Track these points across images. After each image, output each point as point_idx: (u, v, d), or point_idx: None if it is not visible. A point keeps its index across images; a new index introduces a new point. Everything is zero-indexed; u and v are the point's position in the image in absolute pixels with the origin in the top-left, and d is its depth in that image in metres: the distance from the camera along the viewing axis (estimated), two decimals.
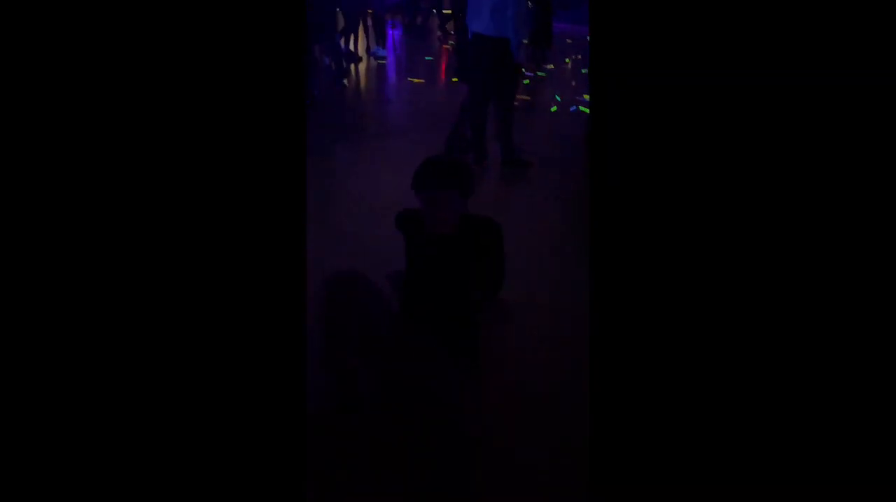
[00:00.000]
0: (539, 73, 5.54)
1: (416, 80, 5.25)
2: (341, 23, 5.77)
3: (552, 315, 1.86)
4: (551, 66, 5.93)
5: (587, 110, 4.26)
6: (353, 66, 5.63)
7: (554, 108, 4.55)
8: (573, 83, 5.46)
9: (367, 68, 5.73)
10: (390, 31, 6.53)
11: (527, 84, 5.05)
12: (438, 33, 7.46)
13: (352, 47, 5.95)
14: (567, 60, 6.47)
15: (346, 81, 4.98)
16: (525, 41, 3.13)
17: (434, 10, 7.96)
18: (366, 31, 6.21)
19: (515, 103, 3.16)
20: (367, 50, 6.17)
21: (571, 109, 4.53)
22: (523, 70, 3.45)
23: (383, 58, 6.06)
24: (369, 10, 6.03)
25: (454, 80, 4.84)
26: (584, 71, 5.96)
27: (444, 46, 6.92)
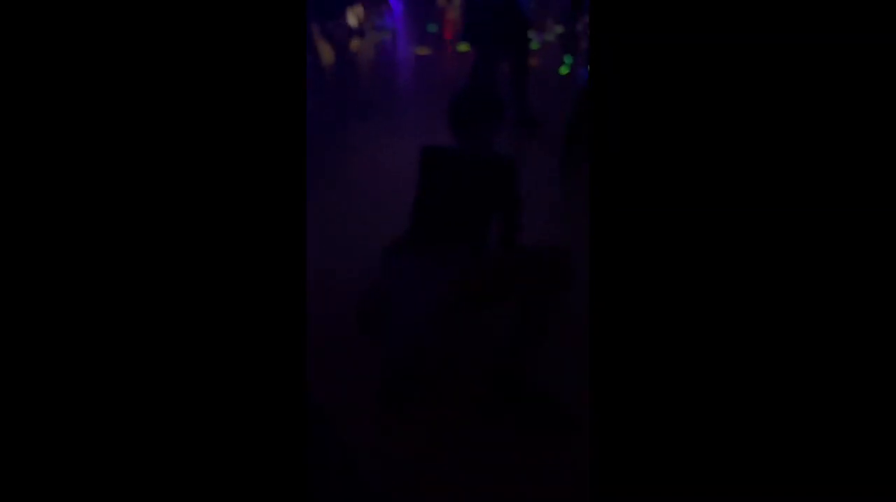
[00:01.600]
0: (548, 37, 5.38)
1: (421, 51, 5.16)
2: None
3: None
4: (561, 30, 5.76)
5: None
6: (357, 41, 5.54)
7: (564, 70, 4.44)
8: (584, 45, 5.31)
9: (371, 42, 5.64)
10: (394, 3, 6.40)
11: (535, 48, 4.93)
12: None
13: (355, 22, 5.85)
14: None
15: (352, 55, 4.91)
16: None
17: None
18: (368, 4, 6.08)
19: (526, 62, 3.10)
20: (372, 24, 6.06)
21: (581, 71, 4.41)
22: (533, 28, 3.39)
23: (387, 31, 5.96)
24: None
25: (460, 47, 4.75)
26: None
27: (448, 17, 6.77)
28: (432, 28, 6.20)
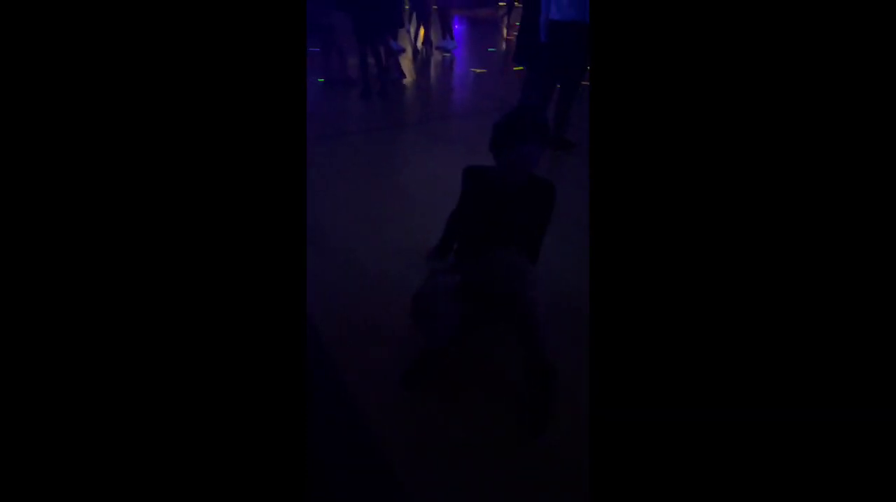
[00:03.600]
0: None
1: (478, 70, 5.47)
2: (408, 18, 6.15)
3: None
4: None
5: None
6: (417, 59, 5.95)
7: None
8: None
9: (434, 61, 6.02)
10: (456, 26, 6.79)
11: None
12: (503, 25, 7.62)
13: (418, 42, 6.31)
14: None
15: (406, 74, 5.29)
16: None
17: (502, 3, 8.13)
18: (431, 25, 6.52)
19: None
20: (434, 43, 6.48)
21: None
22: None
23: (449, 50, 6.35)
24: (434, 7, 6.34)
25: (516, 68, 5.01)
26: None
27: (508, 38, 7.08)
28: (492, 49, 6.52)
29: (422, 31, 6.45)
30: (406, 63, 5.74)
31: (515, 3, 7.49)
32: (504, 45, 6.79)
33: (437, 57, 6.17)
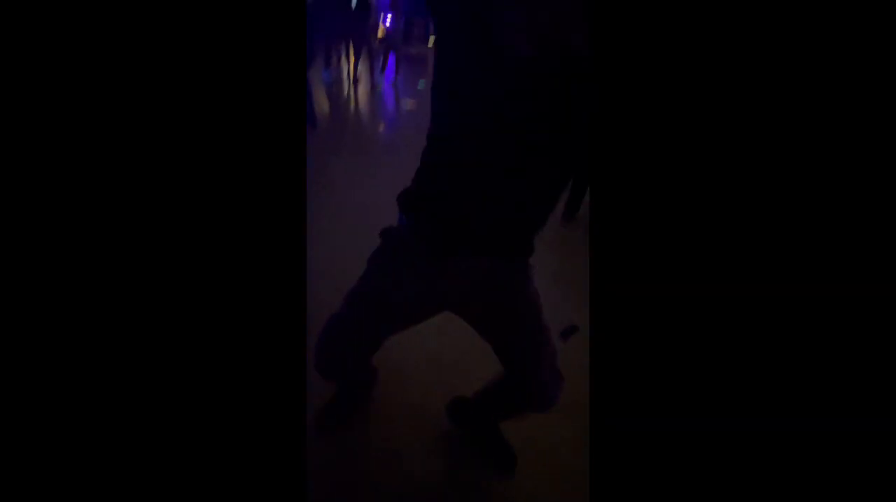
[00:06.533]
0: None
1: (409, 104, 5.69)
2: (343, 51, 6.30)
3: None
4: None
5: None
6: (353, 90, 6.07)
7: None
8: None
9: (367, 92, 6.17)
10: (391, 60, 7.01)
11: None
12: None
13: (352, 73, 6.46)
14: None
15: (347, 103, 5.39)
16: None
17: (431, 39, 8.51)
18: (363, 58, 6.71)
19: None
20: (369, 76, 6.67)
21: None
22: None
23: (380, 84, 6.56)
24: (374, 39, 6.59)
25: None
26: None
27: None
28: (422, 85, 6.78)
29: (352, 63, 6.62)
30: (336, 94, 5.85)
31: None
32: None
33: (368, 89, 6.33)
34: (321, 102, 5.25)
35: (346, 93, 5.95)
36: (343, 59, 6.93)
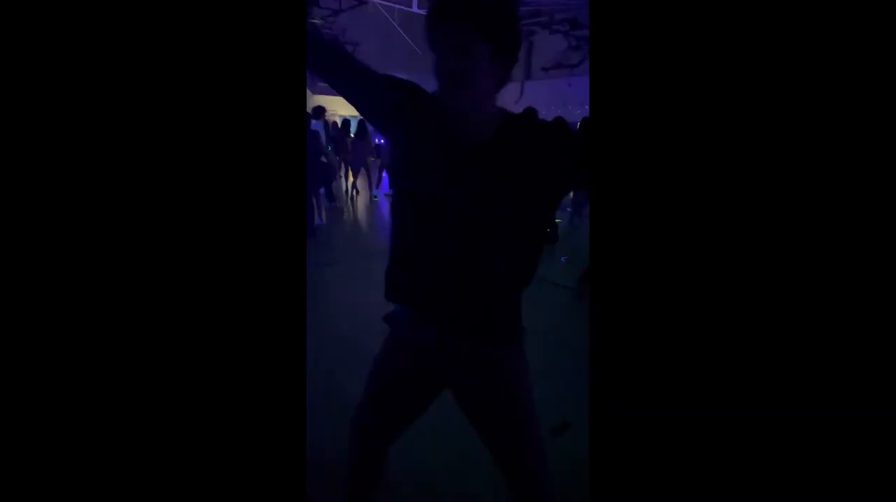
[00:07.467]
0: None
1: None
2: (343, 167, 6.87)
3: None
4: None
5: None
6: (351, 202, 6.46)
7: None
8: None
9: (366, 204, 6.55)
10: (385, 176, 7.57)
11: None
12: None
13: (352, 187, 6.97)
14: None
15: (345, 213, 5.69)
16: None
17: None
18: (364, 175, 7.24)
19: None
20: (368, 189, 7.18)
21: None
22: None
23: (377, 197, 7.04)
24: (372, 159, 7.20)
25: None
26: None
27: None
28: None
29: (350, 178, 7.16)
30: (339, 209, 6.24)
31: None
32: None
33: (365, 201, 6.74)
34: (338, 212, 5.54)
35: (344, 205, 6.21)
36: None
